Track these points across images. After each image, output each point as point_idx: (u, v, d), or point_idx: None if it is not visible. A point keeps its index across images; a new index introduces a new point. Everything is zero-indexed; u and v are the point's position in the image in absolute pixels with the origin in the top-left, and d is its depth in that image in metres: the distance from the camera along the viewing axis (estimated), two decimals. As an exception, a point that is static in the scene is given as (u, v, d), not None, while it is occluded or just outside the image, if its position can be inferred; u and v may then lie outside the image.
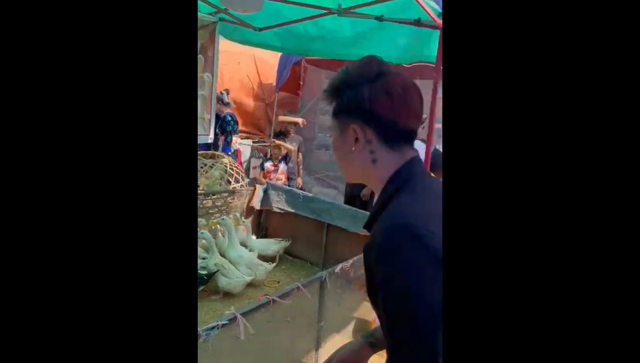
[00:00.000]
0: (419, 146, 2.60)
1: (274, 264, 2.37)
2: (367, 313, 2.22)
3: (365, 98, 0.61)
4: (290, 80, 5.09)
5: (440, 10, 1.87)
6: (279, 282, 2.42)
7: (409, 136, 0.65)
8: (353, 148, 0.64)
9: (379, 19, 2.14)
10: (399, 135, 0.63)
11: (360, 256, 1.93)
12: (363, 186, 3.54)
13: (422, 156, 2.53)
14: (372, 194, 3.62)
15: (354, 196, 3.63)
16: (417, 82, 0.70)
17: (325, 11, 2.24)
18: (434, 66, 2.11)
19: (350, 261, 1.88)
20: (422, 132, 2.99)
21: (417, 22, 2.05)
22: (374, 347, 0.84)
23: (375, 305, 0.62)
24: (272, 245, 2.60)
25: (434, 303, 0.52)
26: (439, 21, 1.93)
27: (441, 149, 2.86)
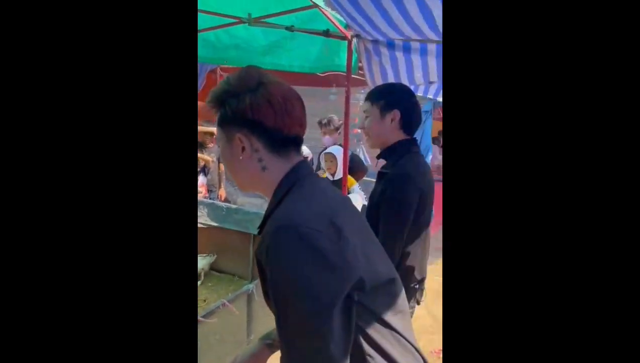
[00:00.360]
0: (338, 151, 2.71)
1: (200, 282, 2.26)
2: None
3: (248, 107, 0.62)
4: (207, 89, 4.92)
5: (345, 22, 1.98)
6: (205, 301, 2.32)
7: (295, 142, 0.67)
8: (241, 157, 0.65)
9: (290, 29, 2.18)
10: (284, 141, 0.65)
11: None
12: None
13: (340, 160, 2.63)
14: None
15: (280, 204, 3.64)
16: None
17: (236, 20, 2.22)
18: (343, 74, 2.21)
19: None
20: (339, 137, 3.11)
21: (326, 33, 2.13)
22: (272, 348, 0.86)
23: (269, 306, 0.63)
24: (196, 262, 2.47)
25: (322, 300, 0.53)
26: (346, 32, 2.04)
27: (359, 153, 3.01)
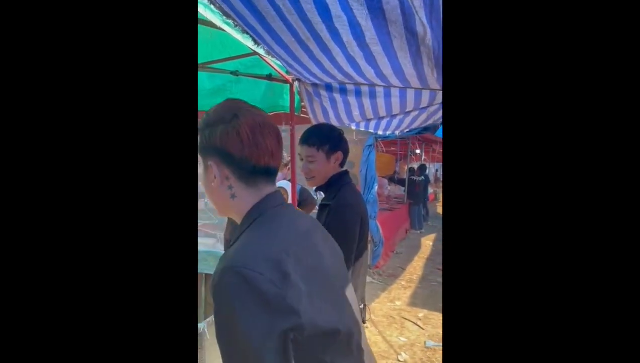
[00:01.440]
0: (287, 185, 2.80)
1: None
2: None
3: (218, 137, 0.66)
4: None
5: (285, 68, 2.15)
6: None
7: (265, 172, 0.69)
8: (212, 184, 0.69)
9: (235, 73, 2.32)
10: (252, 171, 0.67)
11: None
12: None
13: (290, 194, 2.72)
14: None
15: (232, 241, 3.60)
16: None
17: (182, 66, 2.32)
18: (288, 114, 2.37)
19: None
20: (288, 172, 3.22)
21: (269, 77, 2.29)
22: None
23: None
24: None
25: (253, 340, 0.54)
26: (287, 76, 2.21)
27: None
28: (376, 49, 1.25)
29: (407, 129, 3.54)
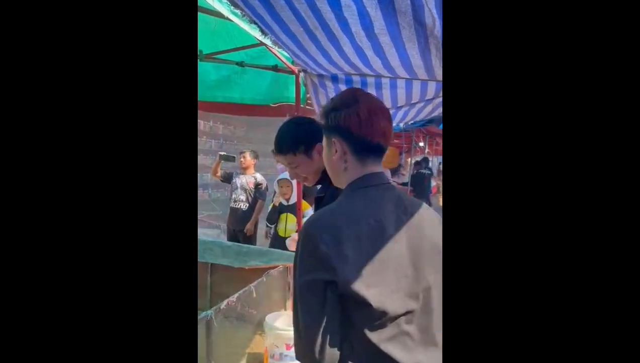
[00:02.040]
0: (294, 183, 2.82)
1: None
2: (259, 346, 2.22)
3: (342, 118, 0.81)
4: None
5: (292, 58, 2.15)
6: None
7: (376, 150, 0.83)
8: (333, 157, 0.84)
9: (240, 64, 2.32)
10: (367, 148, 0.82)
11: (245, 289, 1.96)
12: (246, 222, 3.59)
13: (295, 186, 2.74)
14: (255, 229, 3.68)
15: (236, 233, 3.63)
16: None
17: (188, 56, 2.32)
18: (293, 105, 2.37)
19: (236, 295, 1.89)
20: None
21: (275, 68, 2.29)
22: None
23: None
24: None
25: (302, 279, 0.72)
26: (293, 67, 2.21)
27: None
28: (385, 39, 1.25)
29: (412, 121, 3.53)
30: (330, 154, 0.85)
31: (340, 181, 0.86)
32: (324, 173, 1.14)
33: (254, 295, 2.01)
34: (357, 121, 0.80)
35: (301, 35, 1.41)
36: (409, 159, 7.25)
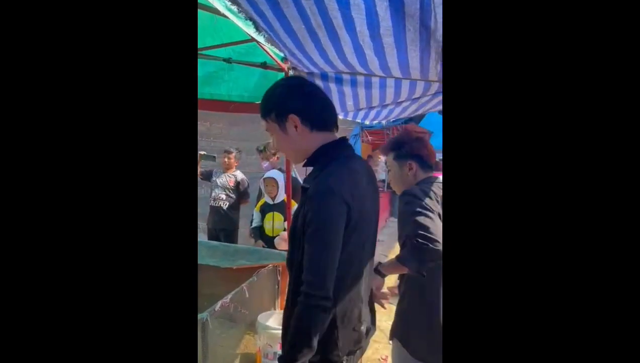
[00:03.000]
0: (278, 175, 2.80)
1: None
2: (251, 346, 2.21)
3: (414, 148, 1.48)
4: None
5: (282, 55, 2.13)
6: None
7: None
8: (408, 175, 1.44)
9: (228, 61, 2.27)
10: (430, 167, 1.44)
11: (238, 290, 1.93)
12: (227, 221, 3.51)
13: (281, 184, 2.72)
14: (236, 228, 3.62)
15: (217, 232, 3.56)
16: None
17: (172, 51, 2.24)
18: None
19: (229, 295, 1.86)
20: (277, 161, 3.21)
21: (264, 65, 2.26)
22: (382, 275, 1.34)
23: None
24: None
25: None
26: (283, 65, 2.19)
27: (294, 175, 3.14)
28: (388, 40, 1.27)
29: (394, 119, 3.59)
30: (404, 174, 1.40)
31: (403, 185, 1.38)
32: (315, 158, 0.99)
33: (247, 295, 1.99)
34: (425, 150, 1.42)
35: (301, 33, 1.40)
36: (381, 156, 7.37)
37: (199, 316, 1.61)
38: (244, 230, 3.67)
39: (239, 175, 3.60)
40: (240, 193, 3.55)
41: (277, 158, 3.23)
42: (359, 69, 1.75)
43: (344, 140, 1.04)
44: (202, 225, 4.46)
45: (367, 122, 3.52)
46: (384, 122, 3.66)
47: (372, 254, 1.07)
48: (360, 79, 2.17)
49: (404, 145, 1.44)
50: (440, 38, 1.22)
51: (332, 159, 0.97)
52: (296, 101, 0.97)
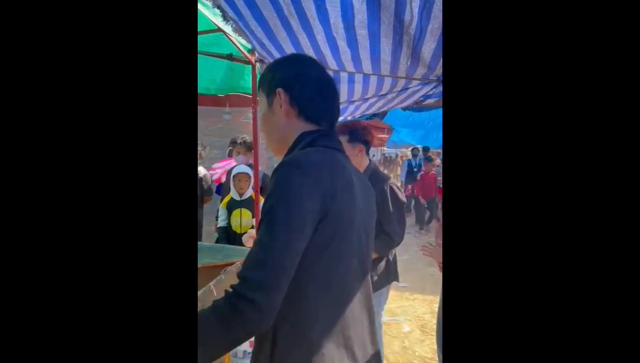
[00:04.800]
0: (247, 170, 2.73)
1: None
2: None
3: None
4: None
5: (249, 47, 2.07)
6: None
7: None
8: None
9: (191, 50, 2.17)
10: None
11: (206, 289, 1.86)
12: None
13: (252, 180, 2.66)
14: (199, 227, 3.50)
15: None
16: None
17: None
18: (249, 96, 2.29)
19: (198, 294, 1.79)
20: (249, 156, 3.12)
21: (230, 57, 2.18)
22: None
23: None
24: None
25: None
26: (250, 57, 2.13)
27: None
28: (362, 32, 1.27)
29: (359, 115, 3.63)
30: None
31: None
32: (292, 148, 0.78)
33: (215, 294, 1.92)
34: None
35: (273, 21, 1.36)
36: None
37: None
38: (208, 227, 3.55)
39: (202, 171, 3.47)
40: (203, 190, 3.43)
41: (251, 153, 3.15)
42: (331, 60, 1.75)
43: (329, 129, 0.81)
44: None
45: (349, 118, 3.53)
46: (349, 118, 3.69)
47: (364, 286, 0.76)
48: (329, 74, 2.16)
49: (357, 130, 1.73)
50: (413, 33, 1.24)
51: (310, 145, 0.76)
52: (291, 76, 0.78)
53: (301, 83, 0.77)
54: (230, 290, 0.63)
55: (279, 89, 0.77)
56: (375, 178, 1.74)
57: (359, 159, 1.74)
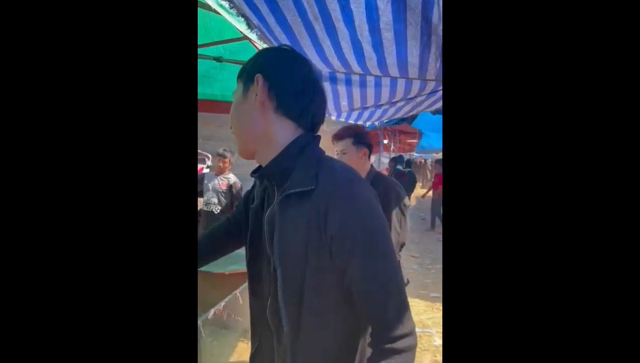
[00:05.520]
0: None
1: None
2: (244, 354, 2.14)
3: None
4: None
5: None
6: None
7: None
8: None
9: (218, 60, 2.20)
10: None
11: (232, 297, 1.87)
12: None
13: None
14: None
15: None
16: None
17: (161, 50, 2.17)
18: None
19: (223, 303, 1.80)
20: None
21: (256, 64, 2.20)
22: None
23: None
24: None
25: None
26: (276, 63, 2.13)
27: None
28: (388, 35, 1.23)
29: (387, 120, 3.57)
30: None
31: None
32: (290, 149, 0.68)
33: (240, 301, 1.92)
34: None
35: (297, 27, 1.34)
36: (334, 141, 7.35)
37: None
38: (236, 234, 3.60)
39: (232, 178, 3.53)
40: (232, 196, 3.48)
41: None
42: (355, 66, 1.71)
43: (319, 138, 0.72)
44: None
45: (359, 122, 3.49)
46: (377, 123, 3.63)
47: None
48: (355, 78, 2.12)
49: (362, 134, 1.70)
50: (442, 33, 1.18)
51: (321, 156, 0.69)
52: (275, 65, 0.68)
53: (285, 73, 0.67)
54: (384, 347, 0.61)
55: (258, 75, 0.67)
56: (377, 181, 1.69)
57: (362, 162, 1.71)
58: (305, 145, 0.68)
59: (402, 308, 0.62)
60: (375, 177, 1.75)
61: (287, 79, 0.67)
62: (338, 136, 1.72)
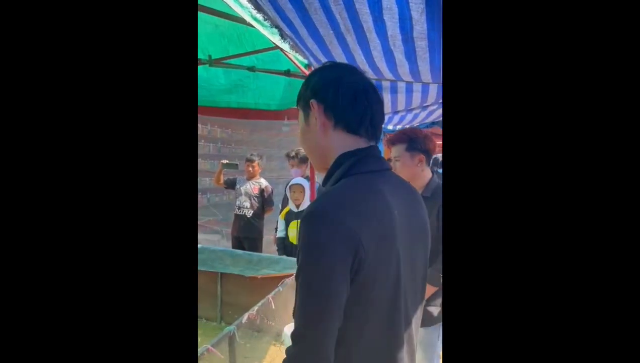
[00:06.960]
0: (305, 182, 2.76)
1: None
2: (277, 357, 2.17)
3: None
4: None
5: (306, 62, 2.11)
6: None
7: None
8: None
9: (251, 69, 2.27)
10: None
11: (264, 301, 1.91)
12: (251, 229, 3.51)
13: (307, 191, 2.69)
14: (260, 237, 3.61)
15: (241, 240, 3.56)
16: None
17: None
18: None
19: (256, 307, 1.83)
20: (305, 169, 3.17)
21: (287, 73, 2.24)
22: None
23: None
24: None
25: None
26: (307, 72, 2.16)
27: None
28: (421, 44, 1.22)
29: (418, 123, 3.52)
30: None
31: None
32: (331, 171, 0.72)
33: (273, 306, 1.96)
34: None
35: (329, 38, 1.36)
36: (387, 147, 7.21)
37: (228, 329, 1.58)
38: (268, 237, 3.66)
39: (263, 182, 3.59)
40: (264, 200, 3.54)
41: (306, 166, 3.19)
42: (387, 73, 1.71)
43: (371, 149, 0.72)
44: (226, 231, 4.48)
45: (390, 127, 3.46)
46: (407, 126, 3.59)
47: (406, 338, 0.69)
48: (386, 84, 2.12)
49: (416, 139, 1.51)
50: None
51: (347, 174, 0.69)
52: (324, 85, 0.71)
53: (334, 90, 0.69)
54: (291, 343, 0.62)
55: (312, 101, 0.70)
56: (437, 196, 1.44)
57: (418, 170, 1.51)
58: (342, 162, 0.70)
59: (297, 338, 0.61)
60: (436, 189, 1.49)
61: (337, 94, 0.70)
62: (391, 141, 1.57)
